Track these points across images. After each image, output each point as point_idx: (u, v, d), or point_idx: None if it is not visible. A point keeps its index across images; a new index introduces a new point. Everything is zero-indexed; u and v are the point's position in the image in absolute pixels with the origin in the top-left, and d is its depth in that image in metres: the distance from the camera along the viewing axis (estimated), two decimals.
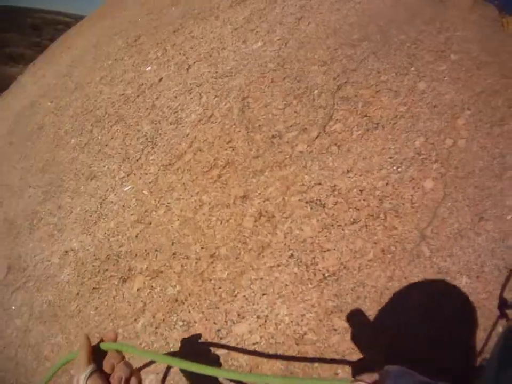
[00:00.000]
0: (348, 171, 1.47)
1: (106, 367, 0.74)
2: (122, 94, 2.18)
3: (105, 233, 1.81)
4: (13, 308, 2.04)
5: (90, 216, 1.91)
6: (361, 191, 1.42)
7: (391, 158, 1.48)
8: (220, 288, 1.38)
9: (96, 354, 0.74)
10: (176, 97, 1.95)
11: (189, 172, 1.71)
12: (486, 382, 0.60)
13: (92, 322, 1.61)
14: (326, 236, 1.33)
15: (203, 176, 1.67)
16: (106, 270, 1.69)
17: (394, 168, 1.46)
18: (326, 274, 1.27)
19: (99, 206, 1.88)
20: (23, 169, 2.50)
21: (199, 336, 1.38)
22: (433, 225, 1.29)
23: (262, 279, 1.33)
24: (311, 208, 1.39)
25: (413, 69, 1.73)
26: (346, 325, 1.20)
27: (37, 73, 3.54)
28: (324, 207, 1.38)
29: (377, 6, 2.04)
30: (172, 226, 1.60)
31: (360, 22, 2.01)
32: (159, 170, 1.79)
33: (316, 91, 1.75)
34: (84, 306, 1.66)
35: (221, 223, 1.50)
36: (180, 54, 2.16)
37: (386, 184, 1.41)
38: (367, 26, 1.96)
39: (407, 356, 1.10)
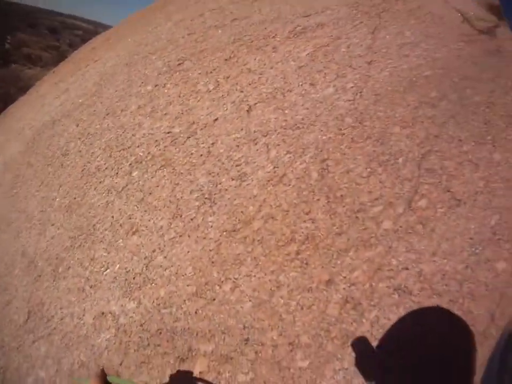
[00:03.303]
0: (433, 254, 1.35)
1: None
2: (169, 132, 1.85)
3: (153, 302, 1.55)
4: (34, 357, 1.80)
5: (134, 278, 1.64)
6: (443, 275, 1.32)
7: (471, 238, 1.38)
8: (299, 377, 1.24)
9: None
10: (238, 146, 1.65)
11: (260, 244, 1.50)
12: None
13: None
14: None
15: (278, 251, 1.45)
16: (159, 345, 1.45)
17: (473, 249, 1.36)
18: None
19: (144, 268, 1.57)
20: (44, 199, 2.16)
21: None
22: (501, 307, 1.25)
23: (346, 369, 1.20)
24: (399, 296, 1.27)
25: (489, 137, 1.61)
26: None
27: (59, 86, 3.09)
28: (410, 294, 1.28)
29: (445, 56, 1.92)
30: (241, 308, 1.39)
31: (435, 76, 1.84)
32: (221, 236, 1.51)
33: (401, 159, 1.56)
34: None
35: (302, 309, 1.33)
36: (236, 90, 1.84)
37: (466, 267, 1.33)
38: (442, 82, 1.81)
39: None
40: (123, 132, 2.06)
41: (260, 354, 1.30)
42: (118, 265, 1.69)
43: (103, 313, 1.64)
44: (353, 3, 2.25)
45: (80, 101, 2.45)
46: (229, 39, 2.21)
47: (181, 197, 1.67)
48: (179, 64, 2.17)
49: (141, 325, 1.52)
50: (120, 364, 1.49)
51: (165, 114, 1.97)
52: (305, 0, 2.39)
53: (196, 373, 1.36)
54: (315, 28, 2.12)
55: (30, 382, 1.78)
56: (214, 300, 1.44)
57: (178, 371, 1.36)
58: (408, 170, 1.51)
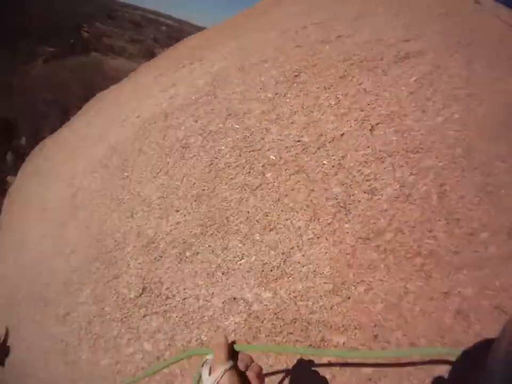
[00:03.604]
0: None
1: (241, 366, 0.85)
2: (299, 141, 2.06)
3: (290, 294, 1.75)
4: (142, 329, 1.97)
5: (271, 270, 1.85)
6: None
7: None
8: (412, 376, 1.44)
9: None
10: (366, 162, 1.87)
11: (392, 254, 1.74)
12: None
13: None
14: None
15: (407, 262, 1.67)
16: (291, 333, 1.66)
17: None
18: None
19: (282, 263, 1.81)
20: (163, 186, 2.31)
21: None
22: None
23: None
24: (498, 314, 1.45)
25: None
26: None
27: (163, 80, 3.18)
28: (506, 314, 1.44)
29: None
30: (374, 308, 1.61)
31: None
32: (356, 242, 1.76)
33: (503, 191, 1.75)
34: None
35: (424, 315, 1.54)
36: (356, 108, 2.07)
37: None
38: None
39: None
40: (250, 134, 2.23)
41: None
42: (254, 257, 1.88)
43: (234, 298, 1.82)
44: (447, 31, 2.46)
45: (193, 97, 2.60)
46: (338, 56, 2.40)
47: (317, 203, 1.88)
48: (295, 76, 2.35)
49: (275, 314, 1.71)
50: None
51: (291, 123, 2.15)
52: (402, 23, 2.58)
53: (324, 361, 1.55)
54: (416, 54, 2.34)
55: (129, 352, 1.95)
56: (349, 298, 1.64)
57: (299, 360, 1.53)
58: (509, 203, 1.69)
